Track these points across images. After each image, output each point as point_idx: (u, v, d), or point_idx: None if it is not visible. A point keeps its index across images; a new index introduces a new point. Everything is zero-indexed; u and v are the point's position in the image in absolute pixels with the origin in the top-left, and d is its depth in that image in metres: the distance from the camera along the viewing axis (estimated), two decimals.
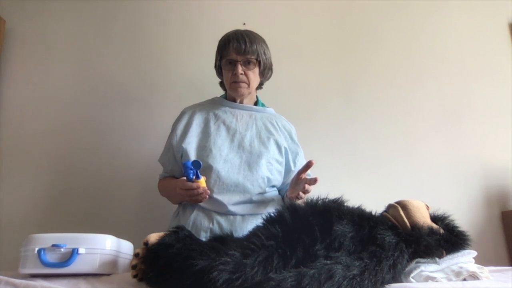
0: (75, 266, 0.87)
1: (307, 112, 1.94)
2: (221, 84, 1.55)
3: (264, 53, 1.41)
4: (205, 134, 1.38)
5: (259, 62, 1.40)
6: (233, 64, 1.38)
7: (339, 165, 1.89)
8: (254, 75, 1.41)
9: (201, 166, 1.17)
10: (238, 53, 1.36)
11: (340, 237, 0.81)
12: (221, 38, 1.43)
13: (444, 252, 0.88)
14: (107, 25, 1.95)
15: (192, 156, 1.32)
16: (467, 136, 2.00)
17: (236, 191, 1.30)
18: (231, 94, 1.46)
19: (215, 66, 1.49)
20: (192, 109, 1.46)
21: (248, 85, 1.40)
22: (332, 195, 0.95)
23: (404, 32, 2.11)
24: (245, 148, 1.37)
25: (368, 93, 2.01)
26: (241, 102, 1.47)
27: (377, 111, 1.99)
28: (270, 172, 1.36)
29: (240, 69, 1.36)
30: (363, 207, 0.96)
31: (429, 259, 0.86)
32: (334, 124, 1.95)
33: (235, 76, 1.37)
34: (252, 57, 1.38)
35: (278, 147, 1.42)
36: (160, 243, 0.86)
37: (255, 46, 1.37)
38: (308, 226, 0.84)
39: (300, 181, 1.25)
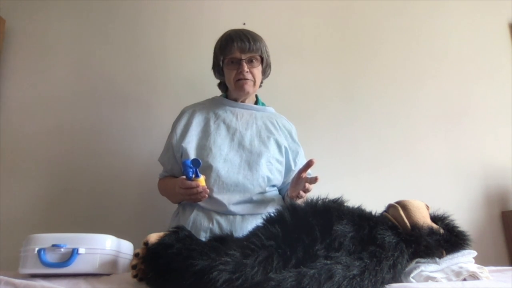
0: (75, 266, 0.87)
1: (307, 112, 1.94)
2: (220, 85, 1.55)
3: (266, 50, 1.44)
4: (205, 133, 1.38)
5: (262, 59, 1.41)
6: (236, 63, 1.38)
7: (339, 165, 1.89)
8: (258, 73, 1.42)
9: (201, 165, 1.16)
10: (242, 51, 1.37)
11: (340, 237, 0.81)
12: (222, 38, 1.43)
13: (444, 252, 0.88)
14: (106, 25, 1.95)
15: (192, 155, 1.32)
16: (467, 136, 2.00)
17: (236, 191, 1.30)
18: (235, 93, 1.45)
19: (214, 67, 1.48)
20: (192, 108, 1.46)
21: (254, 82, 1.41)
22: (332, 195, 0.95)
23: (404, 32, 2.11)
24: (245, 147, 1.36)
25: (368, 93, 2.01)
26: (242, 101, 1.47)
27: (377, 111, 1.99)
28: (270, 172, 1.36)
29: (245, 67, 1.37)
30: (363, 207, 0.96)
31: (429, 259, 0.86)
32: (334, 124, 1.95)
33: (241, 74, 1.37)
34: (256, 54, 1.39)
35: (278, 146, 1.42)
36: (160, 243, 0.86)
37: (258, 44, 1.39)
38: (308, 226, 0.84)
39: (300, 180, 1.25)
